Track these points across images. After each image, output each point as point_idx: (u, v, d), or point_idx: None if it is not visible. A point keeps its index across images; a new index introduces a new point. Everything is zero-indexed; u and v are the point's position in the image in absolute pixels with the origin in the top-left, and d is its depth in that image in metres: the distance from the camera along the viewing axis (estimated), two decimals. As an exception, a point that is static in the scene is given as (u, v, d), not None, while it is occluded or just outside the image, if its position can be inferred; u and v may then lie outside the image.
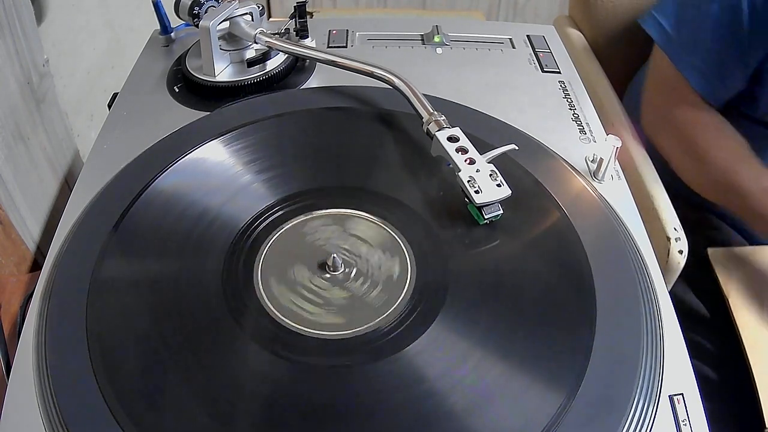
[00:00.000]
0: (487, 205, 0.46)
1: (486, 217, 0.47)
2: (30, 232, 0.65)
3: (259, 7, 0.62)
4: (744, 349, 0.62)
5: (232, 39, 0.61)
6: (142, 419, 0.37)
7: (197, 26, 0.59)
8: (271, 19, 1.11)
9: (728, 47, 0.67)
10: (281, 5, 1.55)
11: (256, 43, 0.60)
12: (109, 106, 0.61)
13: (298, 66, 0.64)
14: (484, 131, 0.54)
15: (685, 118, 0.71)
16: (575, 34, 0.92)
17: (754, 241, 0.78)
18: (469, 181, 0.47)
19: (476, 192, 0.46)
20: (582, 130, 0.58)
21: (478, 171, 0.47)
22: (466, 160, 0.48)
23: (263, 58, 0.61)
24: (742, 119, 0.73)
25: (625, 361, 0.39)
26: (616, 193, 0.52)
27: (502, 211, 0.47)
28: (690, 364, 0.41)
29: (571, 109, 0.60)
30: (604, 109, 0.77)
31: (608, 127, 0.60)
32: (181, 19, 0.62)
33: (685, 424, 0.38)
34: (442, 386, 0.39)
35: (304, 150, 0.55)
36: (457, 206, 0.49)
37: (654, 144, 0.74)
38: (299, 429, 0.37)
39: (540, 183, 0.50)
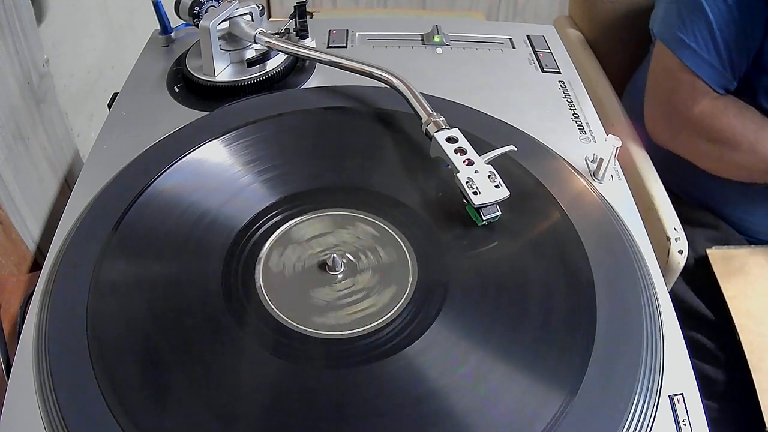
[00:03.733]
0: (485, 206, 0.46)
1: (484, 218, 0.47)
2: (30, 232, 0.65)
3: (259, 7, 0.62)
4: (743, 349, 0.62)
5: (232, 39, 0.61)
6: (142, 419, 0.37)
7: (197, 26, 0.59)
8: (271, 19, 1.11)
9: (729, 31, 0.67)
10: (281, 5, 1.55)
11: (256, 43, 0.60)
12: (109, 106, 0.61)
13: (298, 66, 0.64)
14: (484, 131, 0.54)
15: (701, 110, 0.71)
16: (575, 34, 0.92)
17: (753, 240, 0.79)
18: (467, 183, 0.47)
19: (474, 193, 0.46)
20: (582, 130, 0.58)
21: (476, 172, 0.47)
22: (464, 161, 0.48)
23: (263, 58, 0.61)
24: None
25: (625, 361, 0.39)
26: (616, 193, 0.52)
27: (500, 212, 0.47)
28: (690, 364, 0.41)
29: (571, 109, 0.60)
30: (604, 109, 0.77)
31: (608, 127, 0.60)
32: (181, 19, 0.62)
33: (685, 424, 0.38)
34: (443, 386, 0.39)
35: (304, 150, 0.55)
36: (457, 206, 0.49)
37: (667, 144, 0.74)
38: (299, 429, 0.37)
39: (540, 183, 0.50)
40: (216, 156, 0.53)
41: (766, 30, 0.65)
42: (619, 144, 0.50)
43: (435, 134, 0.50)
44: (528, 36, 0.71)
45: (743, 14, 0.66)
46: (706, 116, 0.71)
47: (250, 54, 0.61)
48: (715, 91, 0.71)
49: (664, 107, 0.75)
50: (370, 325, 0.42)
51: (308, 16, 0.65)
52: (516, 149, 0.50)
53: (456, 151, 0.49)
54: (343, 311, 0.43)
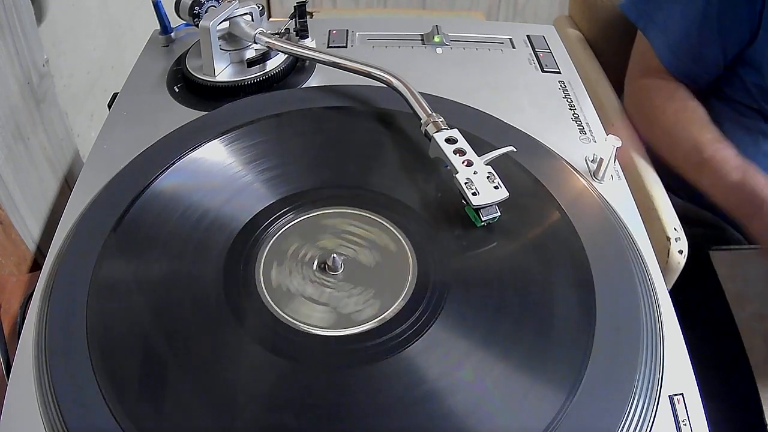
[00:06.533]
0: (484, 207, 0.46)
1: (483, 219, 0.46)
2: (30, 232, 0.65)
3: (259, 7, 0.62)
4: (745, 349, 0.62)
5: (232, 39, 0.61)
6: (142, 419, 0.37)
7: (197, 26, 0.59)
8: (271, 19, 1.11)
9: (700, 28, 0.68)
10: (281, 5, 1.55)
11: (256, 43, 0.60)
12: (109, 106, 0.61)
13: (298, 66, 0.64)
14: (484, 131, 0.54)
15: (646, 85, 0.75)
16: (575, 34, 0.92)
17: (752, 239, 0.78)
18: (466, 183, 0.47)
19: (473, 194, 0.46)
20: (582, 130, 0.58)
21: (475, 173, 0.47)
22: (463, 162, 0.48)
23: (263, 58, 0.61)
24: (731, 104, 0.74)
25: (625, 361, 0.40)
26: (616, 193, 0.52)
27: (499, 213, 0.47)
28: (690, 364, 0.41)
29: (571, 109, 0.60)
30: (604, 109, 0.77)
31: (608, 127, 0.60)
32: (182, 18, 0.62)
33: (685, 424, 0.38)
34: (443, 386, 0.39)
35: (304, 150, 0.55)
36: (457, 207, 0.49)
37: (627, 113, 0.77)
38: (299, 429, 0.37)
39: (540, 183, 0.50)
40: (216, 156, 0.53)
41: (759, 24, 0.65)
42: (619, 144, 0.50)
43: (434, 135, 0.50)
44: (528, 36, 0.71)
45: (724, 7, 0.66)
46: (645, 89, 0.75)
47: (250, 54, 0.61)
48: (672, 75, 0.73)
49: (630, 65, 0.80)
50: (370, 325, 0.42)
51: (308, 16, 0.65)
52: (515, 150, 0.50)
53: (455, 152, 0.49)
54: (343, 311, 0.43)
